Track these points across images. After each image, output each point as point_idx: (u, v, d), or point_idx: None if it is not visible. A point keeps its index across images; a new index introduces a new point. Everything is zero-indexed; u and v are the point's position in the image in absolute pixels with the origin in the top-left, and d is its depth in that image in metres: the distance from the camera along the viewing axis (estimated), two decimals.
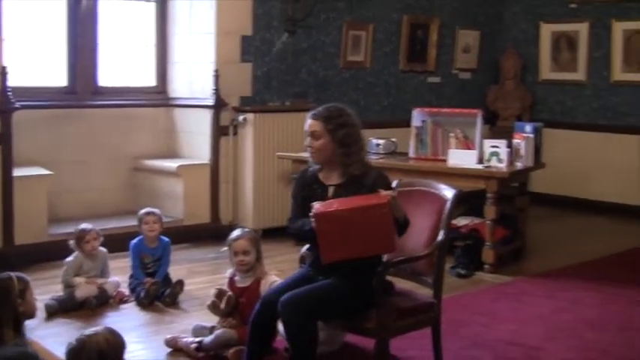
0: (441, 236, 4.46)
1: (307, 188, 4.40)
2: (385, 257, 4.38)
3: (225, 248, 5.01)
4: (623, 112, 9.73)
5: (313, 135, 4.30)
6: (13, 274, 3.71)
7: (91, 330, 3.20)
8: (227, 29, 7.99)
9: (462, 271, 6.84)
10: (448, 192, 4.58)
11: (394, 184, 4.76)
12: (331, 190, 4.32)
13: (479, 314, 5.76)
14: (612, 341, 5.25)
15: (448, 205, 4.51)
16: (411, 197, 4.70)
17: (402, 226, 4.16)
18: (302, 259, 4.68)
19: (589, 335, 5.35)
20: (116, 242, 6.46)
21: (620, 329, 5.49)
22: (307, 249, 4.64)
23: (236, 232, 4.99)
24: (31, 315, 3.75)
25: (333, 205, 4.06)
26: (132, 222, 7.17)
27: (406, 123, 8.37)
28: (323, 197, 4.27)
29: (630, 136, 9.64)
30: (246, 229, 5.13)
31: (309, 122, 4.33)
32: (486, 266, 6.92)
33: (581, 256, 7.53)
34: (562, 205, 9.83)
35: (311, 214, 4.05)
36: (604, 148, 9.86)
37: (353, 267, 4.13)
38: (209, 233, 7.93)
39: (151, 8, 8.18)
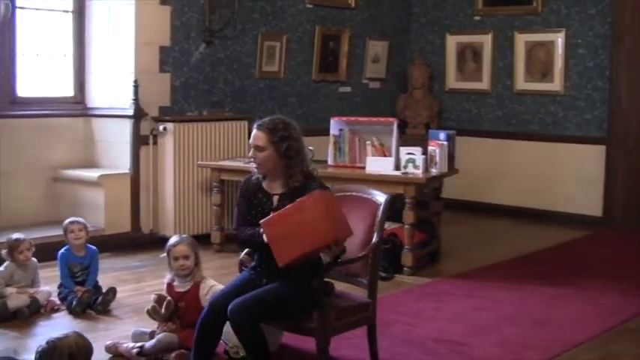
0: (375, 239, 4.69)
1: (252, 197, 4.55)
2: (325, 259, 4.58)
3: (164, 254, 5.11)
4: (526, 119, 10.19)
5: (257, 147, 4.45)
6: None
7: (60, 333, 3.30)
8: (146, 40, 8.07)
9: (383, 274, 7.03)
10: (380, 197, 4.81)
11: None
12: (275, 198, 4.50)
13: (403, 314, 6.00)
14: (530, 335, 5.56)
15: (381, 209, 4.74)
16: (344, 202, 4.90)
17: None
18: (242, 264, 4.82)
19: (508, 330, 5.66)
20: (38, 252, 6.42)
21: (536, 324, 5.82)
22: (246, 253, 4.80)
23: (174, 238, 5.12)
24: None
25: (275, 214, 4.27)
26: (52, 232, 7.28)
27: (319, 132, 8.62)
28: (269, 205, 4.48)
29: (532, 142, 10.11)
30: (184, 235, 5.25)
31: (254, 133, 4.48)
32: (406, 269, 7.19)
33: (493, 258, 7.89)
34: (468, 210, 10.22)
35: (260, 229, 4.26)
36: (508, 154, 10.31)
37: (296, 270, 4.30)
38: (130, 242, 8.01)
39: (69, 18, 8.20)
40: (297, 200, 4.22)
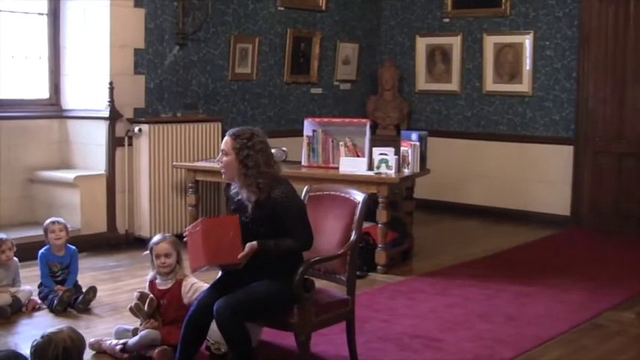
0: (353, 237, 4.82)
1: (236, 203, 4.66)
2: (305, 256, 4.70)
3: (146, 252, 5.21)
4: (495, 120, 10.38)
5: (223, 151, 4.57)
6: None
7: (54, 328, 3.39)
8: (121, 42, 8.14)
9: (357, 272, 7.18)
10: (359, 196, 4.93)
11: (304, 189, 5.11)
12: (249, 207, 4.58)
13: (378, 311, 6.13)
14: (502, 331, 5.72)
15: (359, 207, 4.87)
16: (322, 201, 5.05)
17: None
18: None
19: (481, 326, 5.82)
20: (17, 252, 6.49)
21: (507, 319, 5.99)
22: None
23: (157, 237, 5.21)
24: None
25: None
26: (28, 233, 7.31)
27: (291, 133, 8.74)
28: (245, 213, 4.56)
29: (501, 143, 10.31)
30: (167, 234, 5.35)
31: (224, 139, 4.60)
32: (379, 267, 7.33)
33: (463, 257, 8.05)
34: (439, 209, 10.39)
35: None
36: (477, 154, 10.49)
37: (278, 267, 4.45)
38: (106, 242, 8.09)
39: (44, 21, 8.25)
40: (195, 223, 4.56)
